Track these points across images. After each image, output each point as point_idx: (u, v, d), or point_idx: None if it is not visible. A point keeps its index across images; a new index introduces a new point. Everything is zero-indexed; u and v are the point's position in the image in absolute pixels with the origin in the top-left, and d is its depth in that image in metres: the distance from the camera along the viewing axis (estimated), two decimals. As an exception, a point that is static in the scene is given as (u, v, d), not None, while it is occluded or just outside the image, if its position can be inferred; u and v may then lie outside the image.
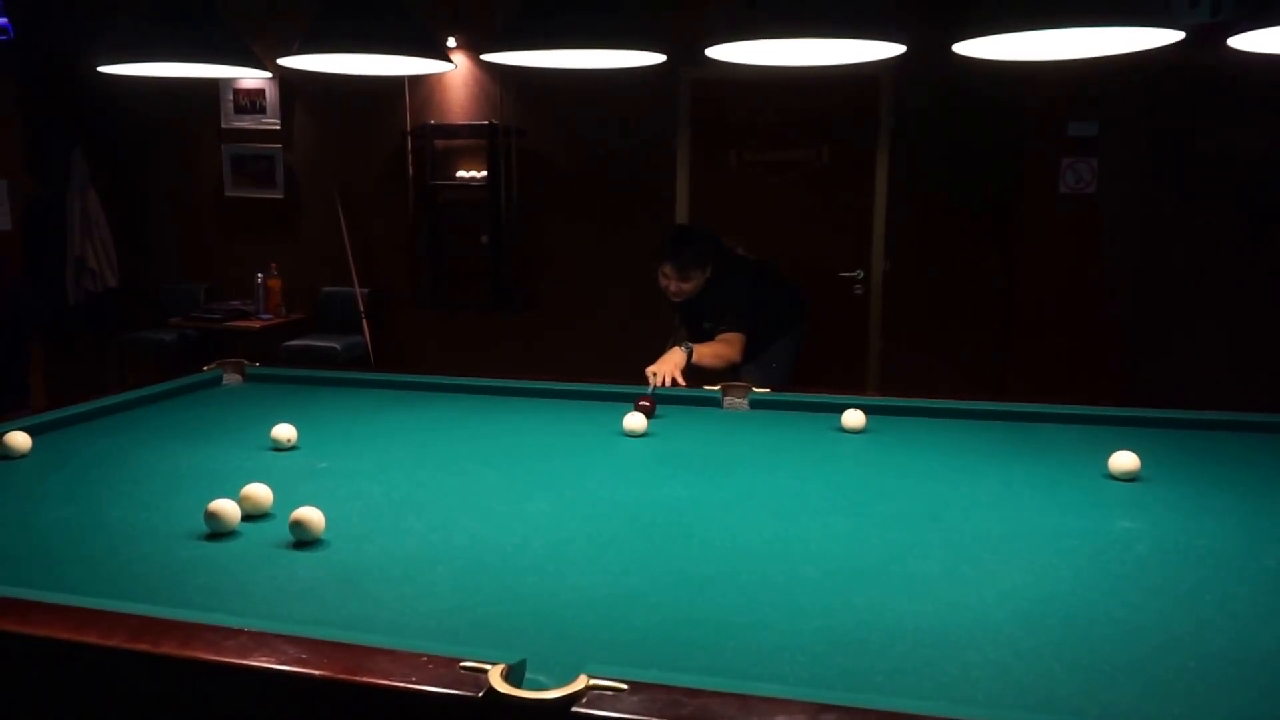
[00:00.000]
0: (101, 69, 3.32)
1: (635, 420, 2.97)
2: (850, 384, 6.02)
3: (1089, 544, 2.09)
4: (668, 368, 3.61)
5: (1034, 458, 2.72)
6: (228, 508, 2.12)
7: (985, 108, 5.83)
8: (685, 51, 3.40)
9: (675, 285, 4.23)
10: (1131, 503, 2.37)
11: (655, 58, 3.05)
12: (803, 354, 4.76)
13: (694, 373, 3.71)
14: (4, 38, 6.49)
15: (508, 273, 6.94)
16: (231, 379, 3.61)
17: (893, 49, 2.67)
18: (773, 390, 3.39)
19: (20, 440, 2.67)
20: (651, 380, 3.51)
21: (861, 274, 6.32)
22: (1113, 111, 5.58)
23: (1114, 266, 5.72)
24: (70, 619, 1.57)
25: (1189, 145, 5.62)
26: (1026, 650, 1.61)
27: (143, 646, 1.49)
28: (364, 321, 6.86)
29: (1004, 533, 2.16)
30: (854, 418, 2.98)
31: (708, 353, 4.00)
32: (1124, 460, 2.51)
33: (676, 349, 3.87)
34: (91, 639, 1.51)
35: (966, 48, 2.66)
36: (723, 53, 2.75)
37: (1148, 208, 5.68)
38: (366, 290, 6.95)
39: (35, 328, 6.10)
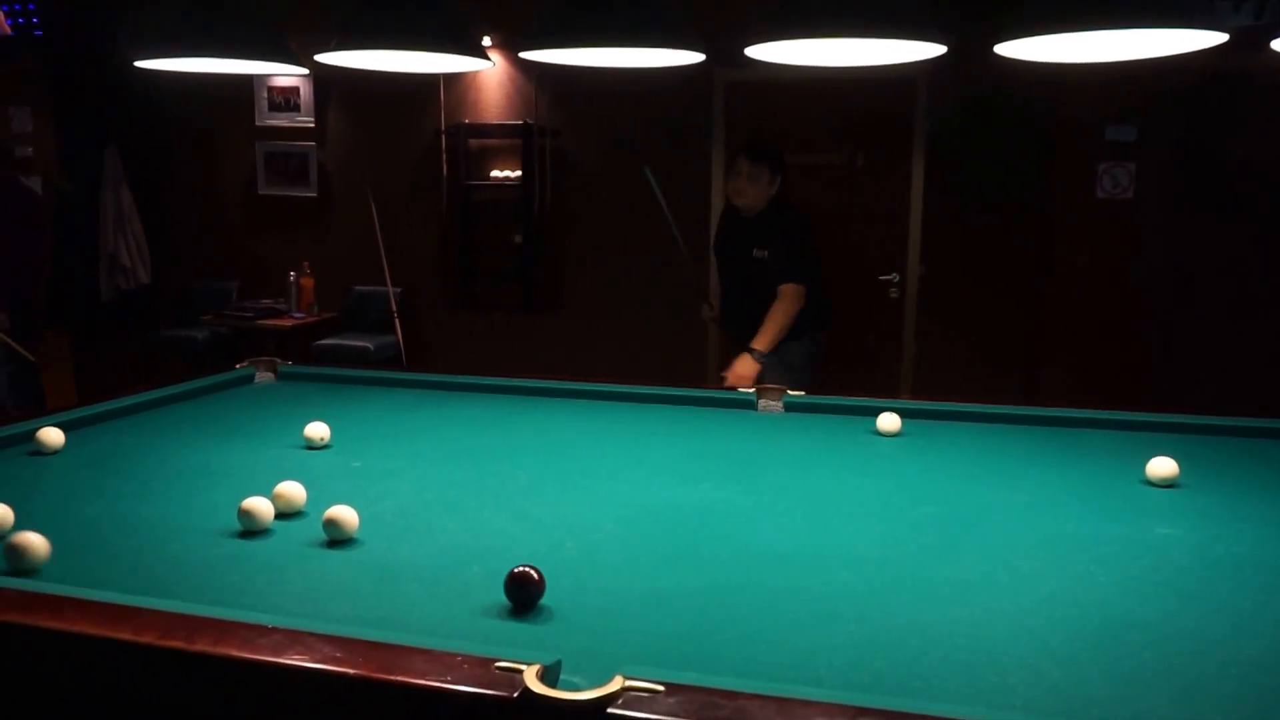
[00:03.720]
0: (138, 64, 3.35)
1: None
2: (885, 387, 5.99)
3: (1126, 550, 2.07)
4: (748, 378, 4.03)
5: (1070, 463, 2.69)
6: (261, 506, 2.12)
7: (1021, 112, 5.78)
8: (720, 53, 3.39)
9: (744, 183, 4.40)
10: (1169, 509, 2.34)
11: (693, 57, 3.04)
12: (822, 362, 4.77)
13: (721, 376, 3.76)
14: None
15: (540, 273, 6.95)
16: (264, 377, 3.63)
17: (931, 50, 2.65)
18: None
19: (54, 436, 2.69)
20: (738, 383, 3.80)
21: (897, 277, 6.29)
22: (1151, 116, 5.53)
23: (1151, 272, 5.66)
24: (103, 615, 1.57)
25: (1229, 150, 5.55)
26: (1063, 655, 1.60)
27: (176, 644, 1.48)
28: (396, 321, 6.88)
29: (1040, 538, 2.14)
30: (889, 421, 2.96)
31: (771, 334, 4.29)
32: (1162, 466, 2.48)
33: (745, 357, 4.21)
34: (125, 636, 1.51)
35: (1005, 50, 2.63)
36: (761, 53, 2.73)
37: (1186, 213, 5.62)
38: (399, 289, 6.96)
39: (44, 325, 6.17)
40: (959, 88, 5.81)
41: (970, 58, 3.12)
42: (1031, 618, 1.74)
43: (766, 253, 4.42)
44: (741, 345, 4.45)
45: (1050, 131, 5.78)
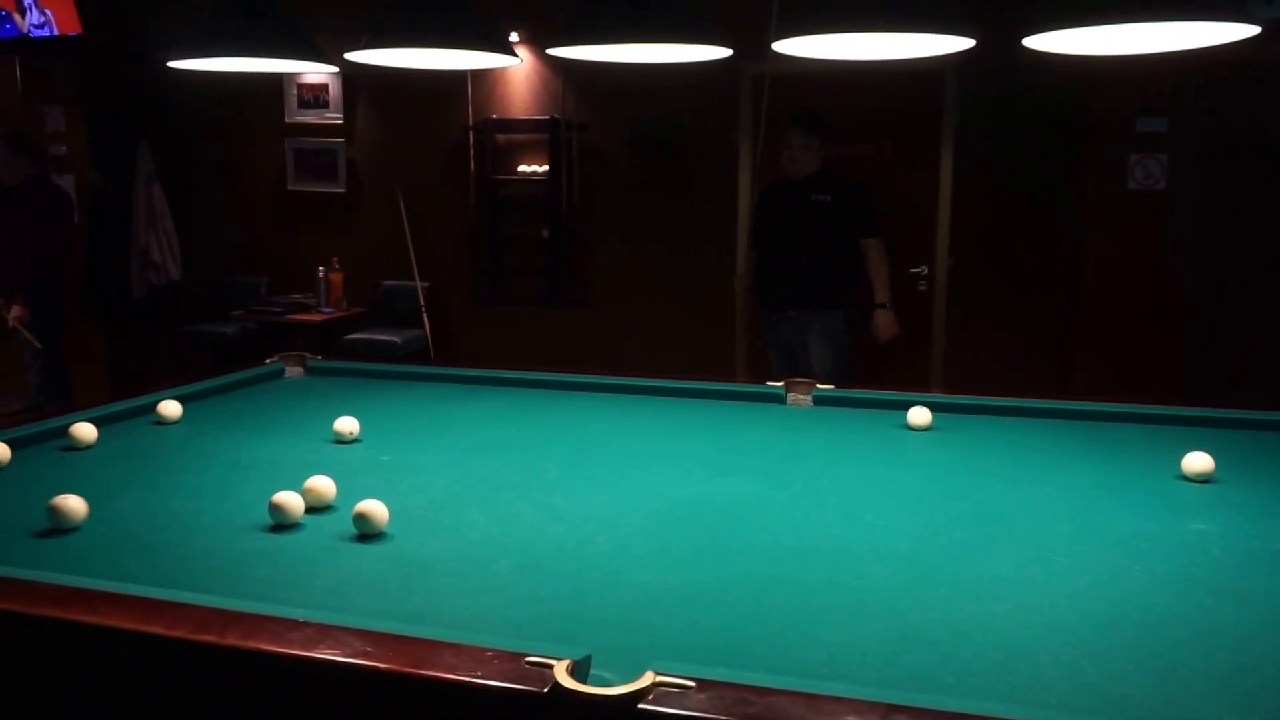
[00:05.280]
0: (171, 64, 3.37)
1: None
2: (914, 381, 5.95)
3: (1162, 546, 2.04)
4: (894, 328, 4.93)
5: (1104, 458, 2.66)
6: (291, 500, 2.13)
7: (1051, 103, 5.72)
8: (748, 46, 3.37)
9: (799, 153, 4.98)
10: (1205, 504, 2.31)
11: (721, 51, 3.02)
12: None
13: (754, 370, 3.73)
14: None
15: (567, 267, 6.95)
16: (293, 372, 3.64)
17: (960, 43, 2.62)
18: (836, 384, 3.36)
19: (86, 431, 2.71)
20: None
21: (925, 270, 6.24)
22: (1182, 107, 5.44)
23: (1184, 264, 5.58)
24: (136, 609, 1.58)
25: (1261, 141, 5.46)
26: (1099, 652, 1.57)
27: (208, 638, 1.49)
28: (424, 315, 6.90)
29: (1074, 534, 2.12)
30: (920, 415, 2.93)
31: (885, 284, 4.95)
32: (1197, 461, 2.44)
33: (879, 313, 4.91)
34: (158, 629, 1.52)
35: (1035, 42, 2.60)
36: (789, 48, 2.72)
37: (1219, 204, 5.53)
38: (427, 284, 6.99)
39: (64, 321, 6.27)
40: (988, 80, 5.75)
41: (999, 50, 3.09)
42: (1066, 614, 1.72)
43: (829, 196, 4.94)
44: (787, 312, 5.09)
45: (1080, 123, 5.72)
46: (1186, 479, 2.45)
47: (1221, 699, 1.44)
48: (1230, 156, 5.48)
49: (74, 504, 2.10)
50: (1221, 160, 5.49)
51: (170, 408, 2.98)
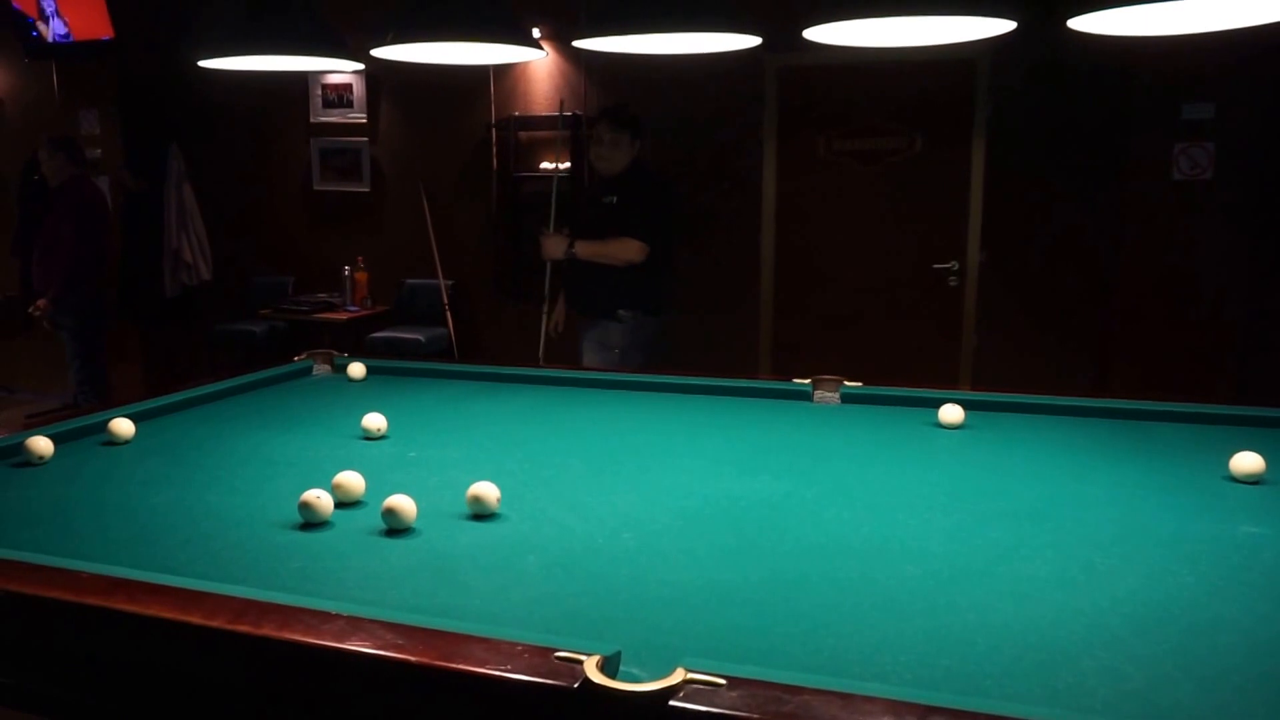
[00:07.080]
0: (201, 64, 3.39)
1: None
2: (944, 378, 5.87)
3: (1210, 549, 1.98)
4: (549, 252, 4.65)
5: (1146, 457, 2.60)
6: (321, 499, 2.12)
7: (1090, 90, 5.57)
8: (772, 38, 3.32)
9: (607, 150, 4.62)
10: (1255, 506, 2.24)
11: (748, 40, 2.99)
12: (656, 350, 4.76)
13: (780, 367, 3.65)
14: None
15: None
16: (321, 369, 3.65)
17: (996, 26, 2.57)
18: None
19: (125, 426, 2.76)
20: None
21: (956, 265, 6.16)
22: (1230, 92, 5.27)
23: (1231, 258, 5.42)
24: (175, 599, 1.60)
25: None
26: (1145, 658, 1.53)
27: (244, 628, 1.50)
28: (447, 313, 6.89)
29: (1116, 535, 2.06)
30: (952, 413, 2.88)
31: (595, 247, 4.51)
32: (1247, 461, 2.37)
33: (558, 237, 4.48)
34: (195, 619, 1.54)
35: (1078, 23, 2.52)
36: (819, 34, 2.67)
37: (1268, 195, 5.35)
38: (450, 282, 6.98)
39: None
40: (1022, 67, 5.62)
41: (1033, 34, 3.01)
42: (1109, 617, 1.67)
43: (615, 198, 4.58)
44: (592, 321, 4.71)
45: (1121, 110, 5.54)
46: (1235, 480, 2.39)
47: (1277, 708, 1.39)
48: (1280, 143, 5.30)
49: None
50: (1273, 147, 5.29)
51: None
